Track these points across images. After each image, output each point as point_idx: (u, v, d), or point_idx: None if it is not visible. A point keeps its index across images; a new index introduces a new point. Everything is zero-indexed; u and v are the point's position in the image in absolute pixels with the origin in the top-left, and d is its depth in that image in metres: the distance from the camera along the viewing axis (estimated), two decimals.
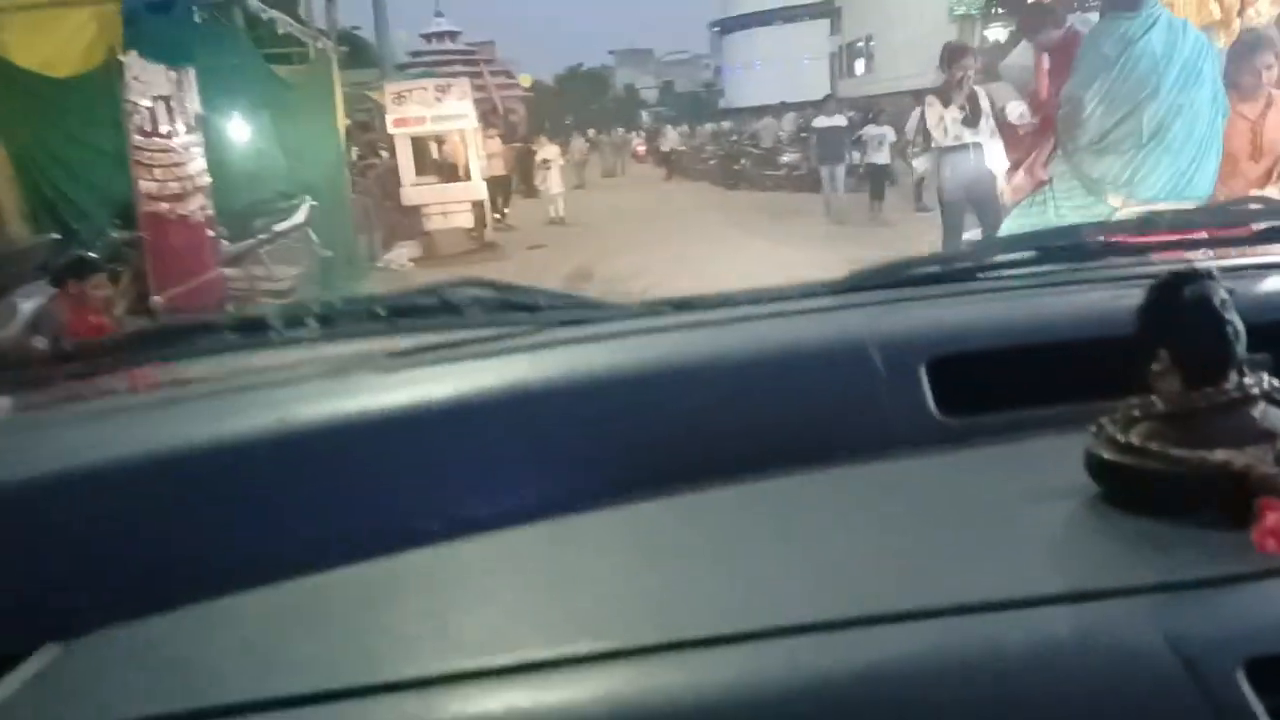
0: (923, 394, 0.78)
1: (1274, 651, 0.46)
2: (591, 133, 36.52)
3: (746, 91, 41.95)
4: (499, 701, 0.49)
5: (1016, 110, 5.37)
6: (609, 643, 0.52)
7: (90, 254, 4.99)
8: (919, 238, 9.11)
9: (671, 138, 30.16)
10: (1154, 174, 3.31)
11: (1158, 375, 0.59)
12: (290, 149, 9.20)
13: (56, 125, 6.82)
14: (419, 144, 12.24)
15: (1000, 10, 16.49)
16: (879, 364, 0.79)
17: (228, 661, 0.56)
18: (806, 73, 36.25)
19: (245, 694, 0.52)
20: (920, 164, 6.83)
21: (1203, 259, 1.02)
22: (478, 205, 12.29)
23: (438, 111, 12.02)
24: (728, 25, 47.67)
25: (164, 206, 7.11)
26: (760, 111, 27.28)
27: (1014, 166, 4.95)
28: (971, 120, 6.03)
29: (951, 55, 6.44)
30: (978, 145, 6.01)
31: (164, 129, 7.16)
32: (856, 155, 14.23)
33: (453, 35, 48.31)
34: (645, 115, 60.13)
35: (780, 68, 38.71)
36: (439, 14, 48.94)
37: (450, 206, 12.02)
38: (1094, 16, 6.15)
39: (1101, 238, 1.13)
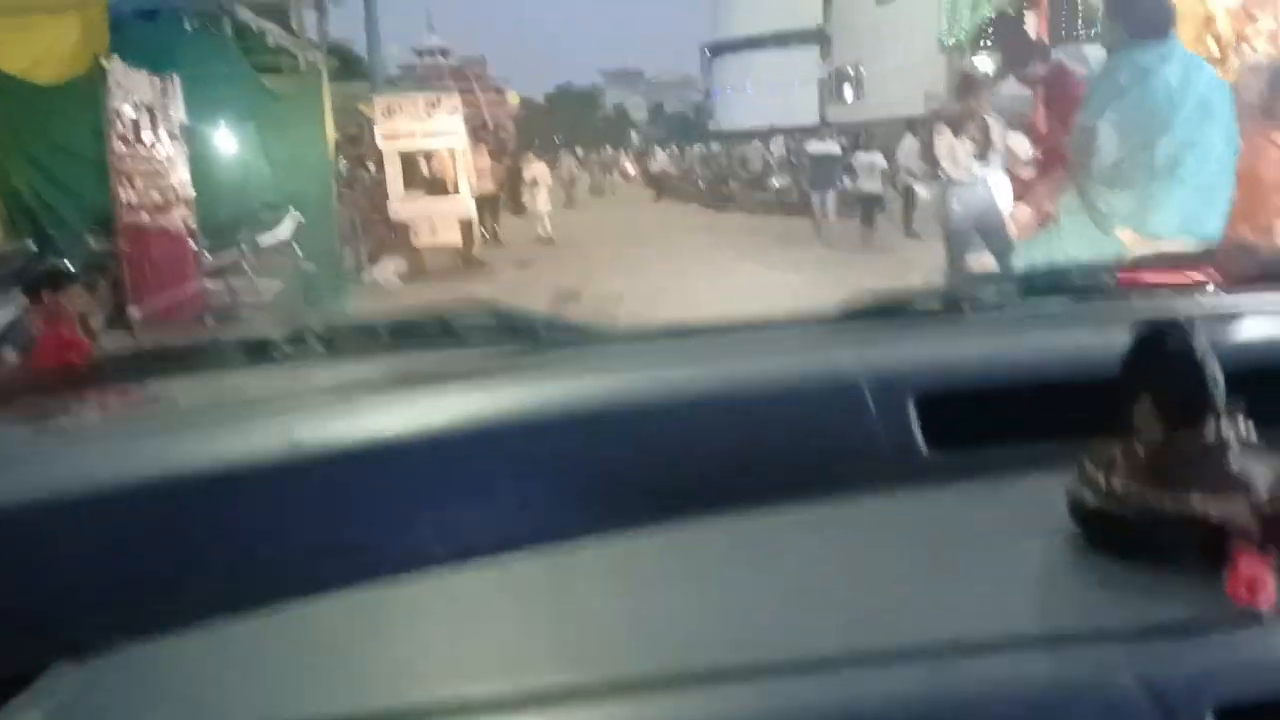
0: (911, 430, 0.79)
1: (1244, 698, 0.48)
2: (580, 151, 36.64)
3: (736, 114, 42.14)
4: None
5: (1021, 145, 5.33)
6: (596, 675, 0.53)
7: (67, 264, 4.86)
8: (913, 264, 9.17)
9: (661, 159, 30.26)
10: (1165, 208, 3.22)
11: (1139, 419, 0.61)
12: (277, 160, 9.10)
13: (39, 131, 6.72)
14: (408, 158, 12.06)
15: (988, 44, 16.59)
16: (869, 399, 0.81)
17: (230, 685, 0.58)
18: (796, 97, 36.47)
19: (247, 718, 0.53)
20: (923, 190, 6.79)
21: (1192, 305, 1.06)
22: (465, 222, 12.18)
23: (427, 126, 11.91)
24: (719, 48, 47.99)
25: (144, 217, 6.99)
26: (748, 135, 27.38)
27: (1020, 199, 4.88)
28: (983, 152, 5.99)
29: (965, 85, 6.40)
30: (988, 178, 5.96)
31: (146, 137, 7.05)
32: (847, 181, 14.30)
33: (444, 51, 48.49)
34: (635, 136, 60.47)
35: (770, 92, 38.90)
36: (431, 29, 49.12)
37: (438, 222, 11.91)
38: (1086, 49, 6.16)
39: (1094, 278, 1.17)
